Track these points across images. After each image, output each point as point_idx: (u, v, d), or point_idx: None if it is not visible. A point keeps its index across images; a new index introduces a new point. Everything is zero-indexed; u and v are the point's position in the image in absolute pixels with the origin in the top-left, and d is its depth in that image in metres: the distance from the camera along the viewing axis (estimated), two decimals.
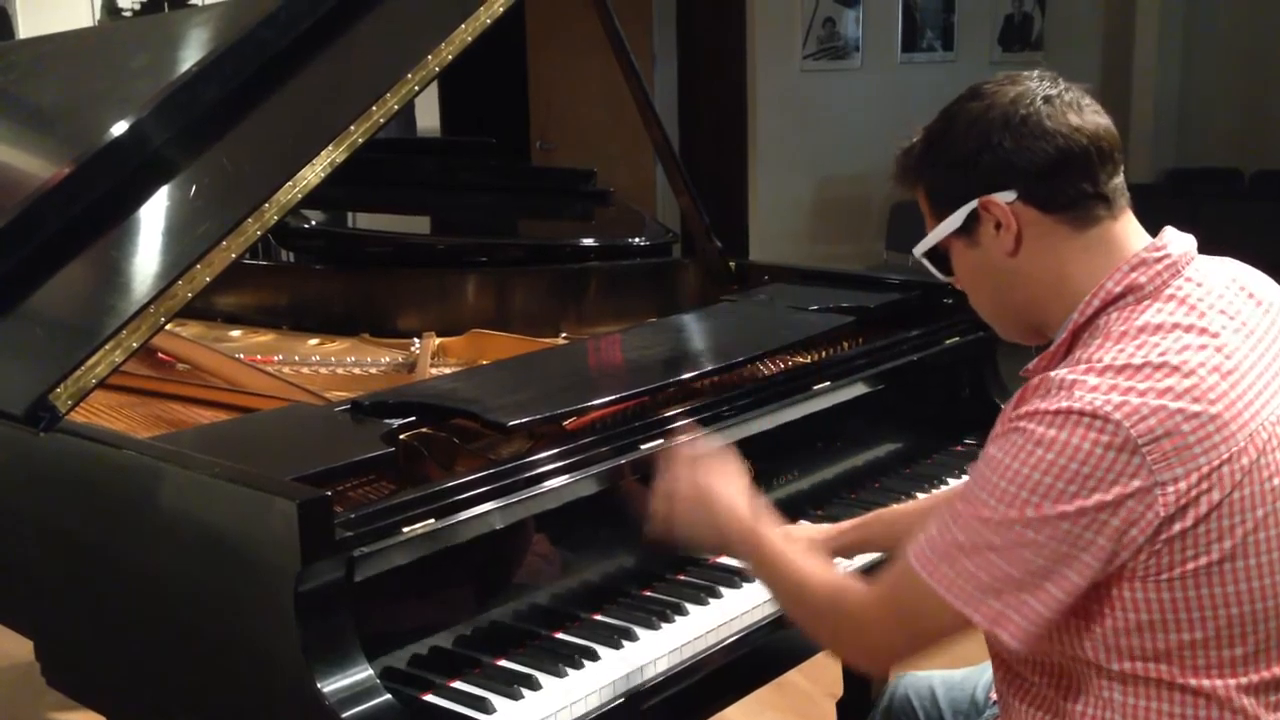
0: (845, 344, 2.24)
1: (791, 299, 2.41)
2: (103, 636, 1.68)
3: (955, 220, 1.35)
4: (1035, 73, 1.36)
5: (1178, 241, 1.33)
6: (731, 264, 2.72)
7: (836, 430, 2.08)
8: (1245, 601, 1.23)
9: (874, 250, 6.92)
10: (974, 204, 1.33)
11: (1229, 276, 1.36)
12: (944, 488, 2.11)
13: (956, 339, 2.30)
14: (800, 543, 1.59)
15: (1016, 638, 1.24)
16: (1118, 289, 1.29)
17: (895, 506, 1.84)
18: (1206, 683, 1.25)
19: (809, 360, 2.15)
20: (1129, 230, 1.34)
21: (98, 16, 5.67)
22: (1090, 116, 1.31)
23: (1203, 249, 1.37)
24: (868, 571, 1.77)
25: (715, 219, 2.72)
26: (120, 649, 1.65)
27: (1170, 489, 1.18)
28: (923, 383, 2.26)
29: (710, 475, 1.53)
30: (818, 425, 2.02)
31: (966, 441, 2.30)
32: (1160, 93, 7.42)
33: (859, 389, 2.09)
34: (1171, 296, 1.28)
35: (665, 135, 2.68)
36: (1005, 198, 1.31)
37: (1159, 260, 1.30)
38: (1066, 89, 1.33)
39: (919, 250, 1.42)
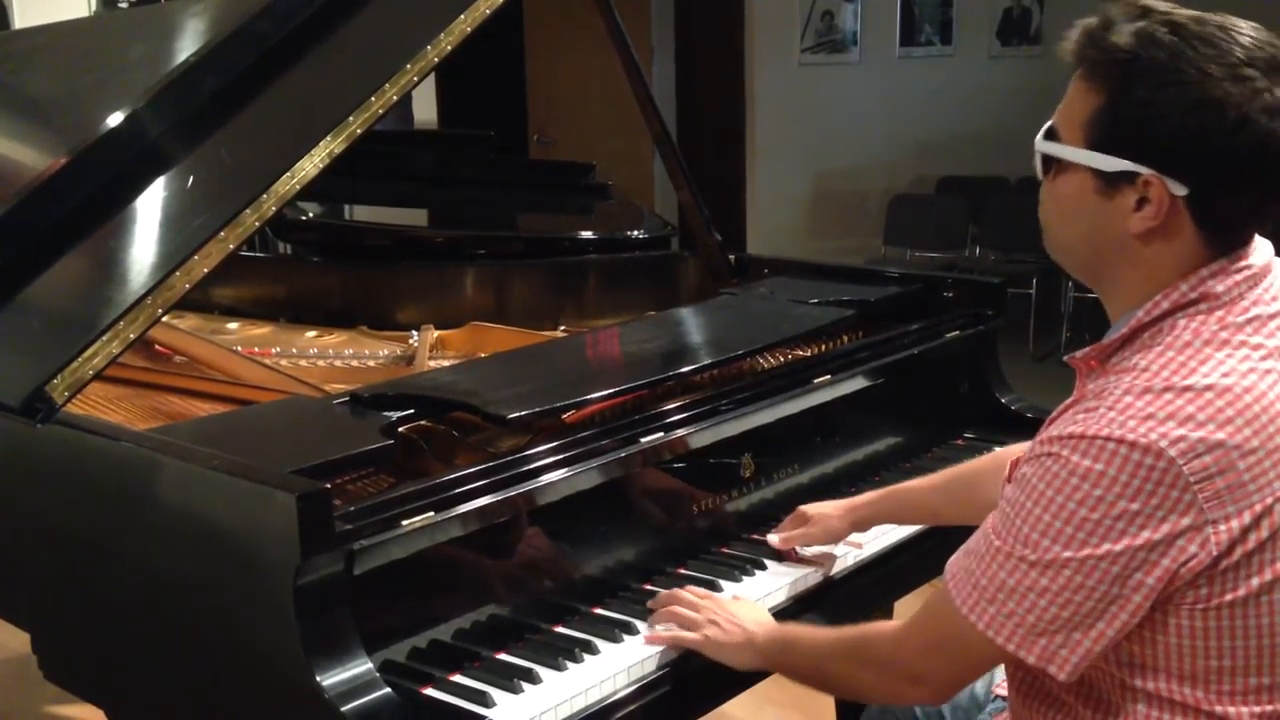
0: (846, 338, 2.24)
1: (792, 292, 2.40)
2: (100, 630, 1.67)
3: (1104, 163, 1.19)
4: None
5: (1261, 250, 1.25)
6: (732, 257, 2.71)
7: (837, 424, 2.07)
8: (1279, 633, 1.19)
9: (872, 244, 6.91)
10: (1141, 172, 1.17)
11: None
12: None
13: (957, 333, 2.29)
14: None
15: (1065, 672, 1.20)
16: (1193, 294, 1.20)
17: (909, 484, 1.83)
18: (1232, 710, 1.21)
19: (809, 354, 2.15)
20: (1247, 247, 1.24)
21: (94, 7, 5.65)
22: None
23: None
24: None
25: (713, 213, 2.71)
26: (117, 642, 1.65)
27: (1222, 527, 1.13)
28: (923, 377, 2.25)
29: (734, 602, 1.61)
30: (818, 419, 2.01)
31: (966, 436, 2.30)
32: None
33: (859, 383, 2.09)
34: (1245, 309, 1.20)
35: (665, 128, 2.66)
36: (1175, 188, 1.16)
37: (1239, 269, 1.21)
38: None
39: (1043, 138, 1.25)
